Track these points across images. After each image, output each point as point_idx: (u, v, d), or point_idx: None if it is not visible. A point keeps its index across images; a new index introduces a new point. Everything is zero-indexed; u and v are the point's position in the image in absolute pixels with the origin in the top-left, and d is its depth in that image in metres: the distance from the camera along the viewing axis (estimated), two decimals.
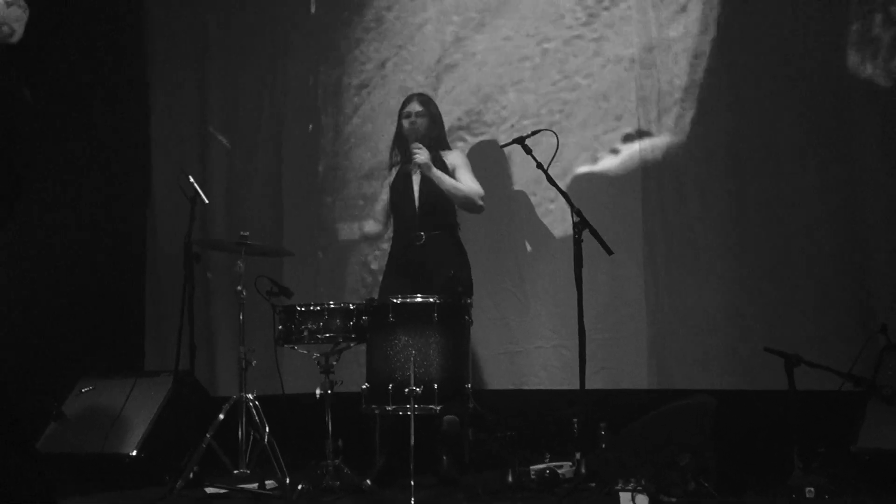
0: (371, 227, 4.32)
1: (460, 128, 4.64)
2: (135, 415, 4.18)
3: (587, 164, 4.39)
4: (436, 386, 3.38)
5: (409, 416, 3.27)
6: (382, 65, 4.89)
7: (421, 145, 3.95)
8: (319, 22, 5.09)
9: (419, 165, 3.94)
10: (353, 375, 4.03)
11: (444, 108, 4.37)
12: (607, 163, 4.36)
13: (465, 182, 4.02)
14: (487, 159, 4.52)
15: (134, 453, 4.01)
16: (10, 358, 3.92)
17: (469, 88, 4.65)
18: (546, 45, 4.51)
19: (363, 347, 3.67)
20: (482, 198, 4.04)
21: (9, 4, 1.86)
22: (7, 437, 1.91)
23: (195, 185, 4.05)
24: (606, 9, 4.41)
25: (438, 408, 3.39)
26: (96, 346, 4.95)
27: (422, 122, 4.07)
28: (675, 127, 4.24)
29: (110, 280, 5.22)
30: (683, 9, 4.24)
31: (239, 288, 3.78)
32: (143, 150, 5.46)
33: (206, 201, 4.11)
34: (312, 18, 5.12)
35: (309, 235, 5.01)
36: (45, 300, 4.87)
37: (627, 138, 4.32)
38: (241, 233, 3.85)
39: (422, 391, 3.34)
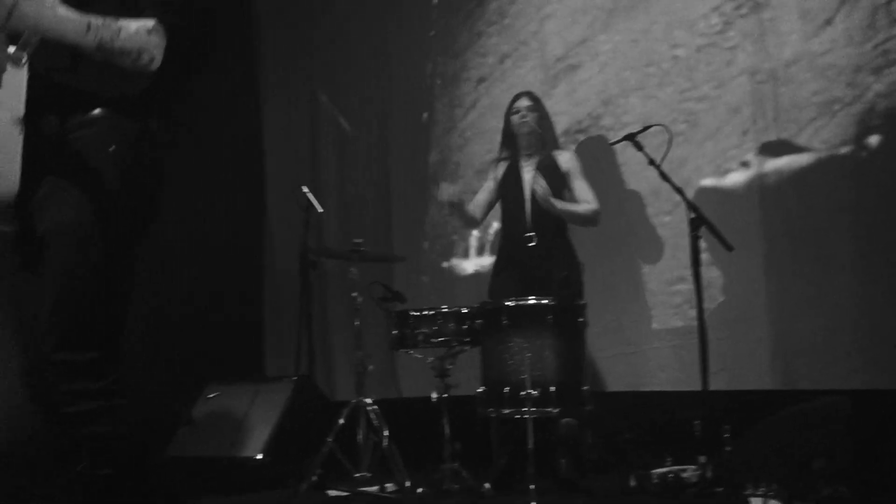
0: (470, 211, 4.21)
1: (578, 130, 4.54)
2: (259, 419, 4.31)
3: (712, 177, 4.21)
4: (552, 388, 3.35)
5: (526, 419, 3.25)
6: (502, 60, 4.84)
7: (540, 187, 3.87)
8: (441, 12, 5.09)
9: (540, 196, 3.87)
10: (469, 378, 4.03)
11: (561, 108, 4.32)
12: (733, 178, 4.16)
13: (582, 196, 3.96)
14: (597, 157, 4.44)
15: (259, 457, 4.14)
16: (142, 365, 4.13)
17: (590, 90, 4.54)
18: (676, 52, 4.33)
19: (477, 350, 3.68)
20: (599, 212, 3.98)
21: (150, 32, 1.87)
22: (134, 440, 1.98)
23: (309, 195, 4.16)
24: (744, 17, 4.17)
25: (556, 410, 3.36)
26: (220, 353, 5.14)
27: (532, 117, 4.03)
28: (808, 143, 3.97)
29: (231, 289, 5.41)
30: (829, 22, 3.96)
31: (354, 294, 3.86)
32: (257, 162, 5.64)
33: (320, 210, 4.21)
34: (434, 9, 5.12)
35: (418, 237, 5.05)
36: (172, 310, 5.09)
37: (757, 151, 4.10)
38: (355, 240, 3.93)
39: (538, 394, 3.31)
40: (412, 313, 3.71)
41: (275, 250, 5.54)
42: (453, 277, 4.95)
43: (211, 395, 4.59)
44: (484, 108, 4.85)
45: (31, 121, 1.84)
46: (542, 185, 3.85)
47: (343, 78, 5.49)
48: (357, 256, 3.88)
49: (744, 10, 4.17)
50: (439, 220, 5.05)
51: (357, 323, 3.86)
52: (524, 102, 4.06)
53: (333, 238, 5.30)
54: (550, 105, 4.25)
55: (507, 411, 3.39)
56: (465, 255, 4.89)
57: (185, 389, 4.70)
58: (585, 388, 3.49)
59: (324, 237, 5.29)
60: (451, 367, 3.75)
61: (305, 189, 4.19)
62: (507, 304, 3.51)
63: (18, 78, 1.79)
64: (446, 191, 3.91)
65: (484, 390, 3.52)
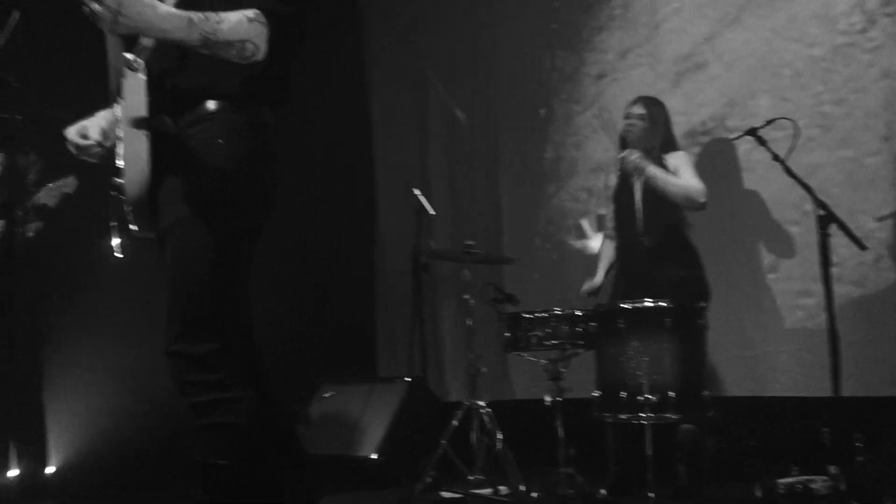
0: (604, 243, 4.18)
1: (703, 132, 4.34)
2: (373, 419, 4.38)
3: (844, 185, 3.91)
4: (671, 394, 3.26)
5: (644, 425, 3.17)
6: (623, 55, 4.69)
7: (631, 150, 3.82)
8: (564, 4, 4.97)
9: (632, 165, 3.80)
10: (583, 381, 3.97)
11: (683, 109, 4.16)
12: (868, 186, 3.86)
13: (685, 177, 3.83)
14: (717, 156, 4.28)
15: (374, 457, 4.20)
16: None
17: (715, 91, 4.32)
18: (812, 52, 4.05)
19: (592, 353, 3.62)
20: (704, 194, 3.81)
21: (250, 21, 1.88)
22: (277, 438, 2.01)
23: (421, 197, 4.18)
24: (890, 16, 3.85)
25: (675, 417, 3.26)
26: (334, 353, 5.25)
27: (639, 126, 3.92)
28: None
29: (343, 289, 5.51)
30: None
31: (466, 297, 3.86)
32: (367, 164, 5.72)
33: (433, 213, 4.23)
34: (555, 0, 5.01)
35: (530, 234, 4.99)
36: (285, 309, 5.22)
37: None
38: (466, 242, 3.93)
39: (657, 399, 3.23)
40: (525, 316, 3.68)
41: (385, 250, 5.61)
42: (565, 272, 4.87)
43: (326, 395, 4.69)
44: (603, 106, 4.69)
45: (151, 122, 1.89)
46: (633, 154, 3.77)
47: (453, 70, 5.45)
48: (469, 258, 3.87)
49: (890, 9, 3.84)
50: (554, 216, 4.97)
51: (469, 325, 3.85)
52: (636, 109, 3.96)
53: (442, 237, 5.31)
54: (672, 105, 4.09)
55: (623, 417, 3.32)
56: (579, 234, 4.82)
57: (300, 389, 4.82)
58: (706, 393, 3.38)
59: (433, 237, 5.31)
60: (564, 370, 3.70)
61: (417, 192, 4.22)
62: (622, 306, 3.44)
63: (137, 82, 1.85)
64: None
65: (599, 395, 3.46)
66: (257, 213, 2.00)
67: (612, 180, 4.12)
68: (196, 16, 1.81)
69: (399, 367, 5.34)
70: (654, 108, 3.96)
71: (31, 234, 3.42)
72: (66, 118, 2.09)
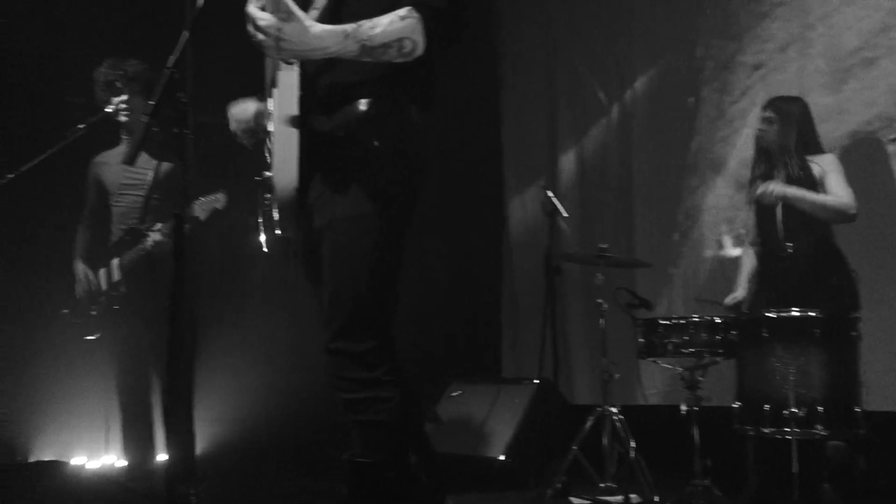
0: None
1: (868, 132, 4.05)
2: (500, 420, 4.38)
3: None
4: (820, 408, 3.10)
5: (789, 440, 3.03)
6: (785, 47, 4.40)
7: (767, 184, 3.63)
8: None
9: (771, 199, 3.61)
10: (721, 389, 3.83)
11: (849, 107, 3.91)
12: None
13: (834, 191, 3.61)
14: (877, 159, 4.02)
15: (502, 458, 4.19)
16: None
17: (886, 89, 4.00)
18: None
19: (732, 363, 3.49)
20: (853, 207, 3.58)
21: (403, 19, 1.89)
22: (411, 432, 2.03)
23: (554, 199, 4.14)
24: None
25: (824, 432, 3.11)
26: (459, 351, 5.28)
27: (770, 131, 3.73)
28: None
29: (470, 289, 5.53)
30: None
31: (599, 300, 3.80)
32: (496, 163, 5.71)
33: (566, 215, 4.18)
34: None
35: (668, 229, 4.85)
36: (414, 308, 5.27)
37: None
38: (600, 245, 3.87)
39: (804, 414, 3.08)
40: (661, 322, 3.59)
41: (512, 250, 5.59)
42: (704, 271, 4.71)
43: (454, 394, 4.72)
44: (756, 98, 4.38)
45: (303, 120, 1.93)
46: (771, 186, 3.58)
47: (590, 56, 5.32)
48: (603, 262, 3.81)
49: None
50: (693, 212, 4.79)
51: (602, 329, 3.79)
52: (766, 113, 3.78)
53: (570, 237, 5.24)
54: (836, 103, 3.84)
55: (767, 431, 3.19)
56: (720, 247, 4.64)
57: (427, 386, 4.87)
58: (858, 409, 3.20)
59: (564, 238, 5.26)
60: (701, 378, 3.59)
61: (550, 193, 4.18)
62: (767, 315, 3.30)
63: (291, 78, 1.89)
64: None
65: (740, 406, 3.33)
66: (409, 211, 2.03)
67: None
68: (350, 27, 1.84)
69: (524, 367, 5.32)
70: (788, 105, 3.75)
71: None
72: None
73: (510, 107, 5.75)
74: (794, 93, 3.96)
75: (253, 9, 1.81)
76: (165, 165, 3.76)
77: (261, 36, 1.79)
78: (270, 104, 2.00)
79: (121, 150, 3.88)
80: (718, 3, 4.70)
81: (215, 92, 2.49)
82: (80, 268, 3.84)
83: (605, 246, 3.87)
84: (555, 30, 5.54)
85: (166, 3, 4.45)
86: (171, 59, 1.93)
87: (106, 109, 3.71)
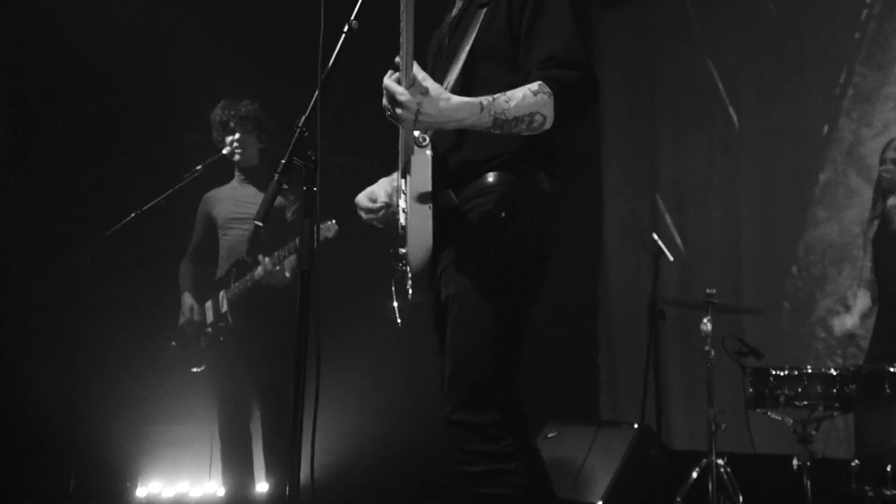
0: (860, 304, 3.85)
1: None
2: (598, 464, 4.30)
3: None
4: None
5: None
6: None
7: None
8: (876, 12, 4.56)
9: None
10: (835, 441, 3.69)
11: None
12: None
13: None
14: None
15: (601, 503, 4.12)
16: None
17: None
18: None
19: (849, 417, 3.35)
20: None
21: (535, 93, 1.90)
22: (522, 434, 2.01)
23: (659, 242, 4.07)
24: None
25: None
26: (556, 393, 5.21)
27: (894, 172, 3.60)
28: None
29: (566, 329, 5.47)
30: None
31: (707, 348, 3.70)
32: (595, 203, 5.67)
33: (671, 259, 4.11)
34: (866, 8, 4.58)
35: (780, 275, 4.70)
36: None
37: None
38: (707, 290, 3.78)
39: None
40: (773, 372, 3.47)
41: (609, 293, 5.51)
42: (819, 326, 4.54)
43: (550, 435, 4.67)
44: None
45: (435, 196, 1.95)
46: None
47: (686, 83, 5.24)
48: (711, 307, 3.71)
49: None
50: (816, 247, 4.63)
51: (709, 378, 3.69)
52: (890, 153, 3.63)
53: (670, 279, 5.13)
54: None
55: (889, 493, 3.03)
56: (840, 302, 4.46)
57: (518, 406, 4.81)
58: None
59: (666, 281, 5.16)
60: (815, 432, 3.45)
61: (655, 236, 4.11)
62: (890, 370, 3.15)
63: (424, 159, 1.93)
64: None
65: (859, 464, 3.18)
66: (537, 282, 2.02)
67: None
68: (486, 100, 1.86)
69: (622, 411, 5.22)
70: None
71: (288, 273, 3.66)
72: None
73: (610, 146, 5.70)
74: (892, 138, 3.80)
75: (391, 83, 1.83)
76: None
77: (399, 110, 1.82)
78: (402, 183, 2.06)
79: (232, 185, 4.01)
80: (867, 29, 4.52)
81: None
82: (188, 300, 3.96)
83: (712, 291, 3.77)
84: (658, 64, 5.48)
85: (283, 47, 4.68)
86: (302, 118, 1.98)
87: (223, 151, 3.86)
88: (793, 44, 4.84)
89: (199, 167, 3.84)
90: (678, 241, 5.20)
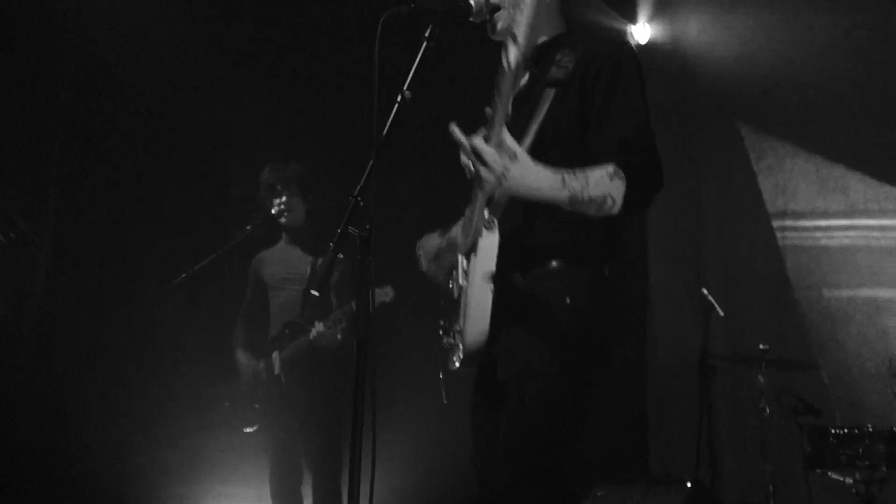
0: None
1: None
2: None
3: None
4: None
5: None
6: None
7: None
8: None
9: None
10: None
11: None
12: None
13: None
14: None
15: None
16: None
17: None
18: None
19: None
20: None
21: (612, 177, 1.90)
22: None
23: (709, 297, 4.02)
24: None
25: None
26: (604, 449, 5.11)
27: None
28: None
29: (612, 384, 5.38)
30: None
31: (762, 405, 3.63)
32: (641, 254, 5.62)
33: (722, 314, 4.05)
34: None
35: (834, 333, 4.62)
36: None
37: None
38: (761, 346, 3.72)
39: None
40: (833, 431, 3.39)
41: (657, 347, 5.42)
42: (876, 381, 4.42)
43: (600, 494, 4.57)
44: None
45: (499, 277, 1.97)
46: None
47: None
48: (764, 363, 3.65)
49: None
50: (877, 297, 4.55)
51: (764, 435, 3.61)
52: None
53: (716, 334, 5.04)
54: None
55: None
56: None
57: (570, 486, 4.72)
58: None
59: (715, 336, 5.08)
60: (879, 492, 3.34)
61: (704, 290, 4.06)
62: None
63: (491, 241, 1.94)
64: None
65: None
66: (599, 367, 2.01)
67: None
68: (568, 175, 1.86)
69: (671, 467, 5.10)
70: None
71: (340, 335, 3.68)
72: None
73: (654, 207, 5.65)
74: None
75: (480, 142, 1.81)
76: (321, 260, 3.91)
77: (483, 171, 1.80)
78: (462, 259, 2.08)
79: (280, 246, 4.07)
80: None
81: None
82: (243, 360, 3.99)
83: (765, 347, 3.71)
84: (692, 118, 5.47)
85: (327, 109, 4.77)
86: (357, 188, 2.00)
87: (271, 212, 3.92)
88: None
89: (248, 227, 3.91)
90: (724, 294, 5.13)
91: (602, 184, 1.86)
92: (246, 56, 4.90)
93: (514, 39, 1.80)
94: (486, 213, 1.95)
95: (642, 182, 1.91)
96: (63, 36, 4.61)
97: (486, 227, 1.93)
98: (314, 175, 4.09)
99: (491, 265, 1.94)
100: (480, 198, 1.95)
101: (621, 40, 2.10)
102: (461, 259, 2.10)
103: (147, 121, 4.77)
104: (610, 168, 1.88)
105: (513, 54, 1.80)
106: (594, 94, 1.97)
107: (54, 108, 4.64)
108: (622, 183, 1.87)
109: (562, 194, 1.85)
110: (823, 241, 4.92)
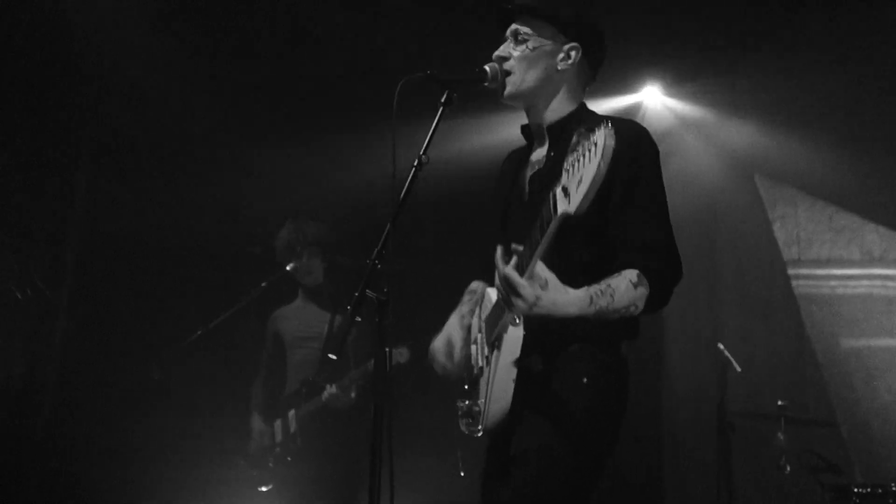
0: None
1: None
2: None
3: None
4: None
5: None
6: None
7: None
8: None
9: None
10: None
11: None
12: None
13: None
14: None
15: None
16: None
17: None
18: None
19: None
20: None
21: (636, 286, 1.96)
22: None
23: (726, 352, 4.00)
24: None
25: None
26: (614, 497, 5.03)
27: None
28: None
29: (629, 441, 5.30)
30: None
31: (782, 462, 3.58)
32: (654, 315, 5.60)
33: (739, 370, 4.02)
34: None
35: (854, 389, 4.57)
36: None
37: None
38: (779, 402, 3.69)
39: None
40: (855, 490, 3.34)
41: (673, 401, 5.36)
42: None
43: None
44: None
45: (523, 361, 2.04)
46: None
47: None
48: (784, 420, 3.61)
49: None
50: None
51: (786, 491, 3.56)
52: None
53: (734, 390, 4.98)
54: None
55: None
56: None
57: None
58: None
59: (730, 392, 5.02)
60: None
61: (721, 346, 4.03)
62: None
63: (516, 336, 2.03)
64: None
65: None
66: (609, 446, 2.05)
67: None
68: (595, 292, 1.90)
69: None
70: None
71: (353, 394, 3.67)
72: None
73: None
74: None
75: (512, 273, 1.83)
76: (338, 319, 3.90)
77: (516, 300, 1.84)
78: (484, 342, 2.15)
79: (297, 304, 4.06)
80: None
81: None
82: (257, 424, 3.97)
83: (784, 403, 3.67)
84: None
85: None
86: (375, 252, 2.02)
87: (286, 268, 3.93)
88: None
89: (263, 284, 3.92)
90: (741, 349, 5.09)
91: (627, 294, 1.92)
92: (265, 113, 4.95)
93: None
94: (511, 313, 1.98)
95: (664, 285, 1.99)
96: (84, 112, 4.67)
97: (513, 324, 2.01)
98: (333, 232, 4.09)
99: (516, 354, 2.02)
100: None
101: (640, 127, 2.13)
102: (481, 339, 2.17)
103: (163, 178, 4.81)
104: (633, 277, 1.94)
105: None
106: (613, 183, 1.97)
107: (74, 163, 4.70)
108: (646, 290, 1.94)
109: (589, 310, 1.90)
110: (840, 290, 4.91)
